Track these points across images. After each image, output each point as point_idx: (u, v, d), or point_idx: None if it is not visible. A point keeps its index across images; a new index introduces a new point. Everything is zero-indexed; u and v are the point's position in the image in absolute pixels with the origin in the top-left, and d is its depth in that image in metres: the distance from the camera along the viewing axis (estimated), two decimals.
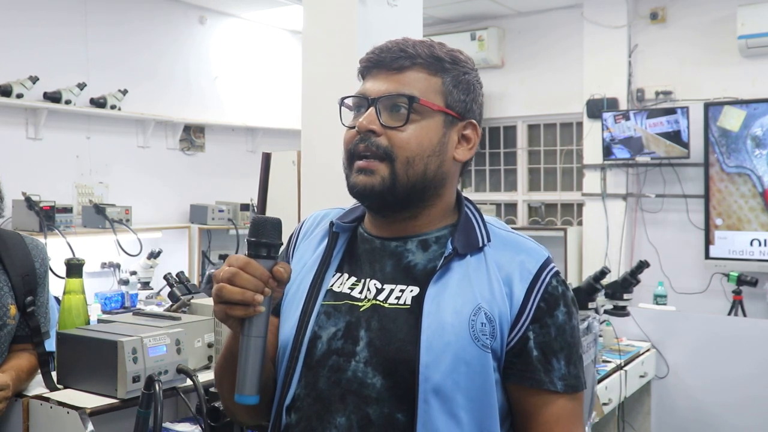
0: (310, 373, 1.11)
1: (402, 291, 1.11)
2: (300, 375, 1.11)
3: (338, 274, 1.16)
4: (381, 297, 1.11)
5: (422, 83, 1.10)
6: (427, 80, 1.11)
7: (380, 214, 1.15)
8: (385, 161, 1.09)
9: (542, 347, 1.08)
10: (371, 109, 1.10)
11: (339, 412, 1.08)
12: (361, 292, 1.13)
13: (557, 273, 1.12)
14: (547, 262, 1.11)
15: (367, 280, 1.14)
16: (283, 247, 1.21)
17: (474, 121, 1.16)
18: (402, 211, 1.13)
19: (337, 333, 1.11)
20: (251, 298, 1.00)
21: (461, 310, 1.06)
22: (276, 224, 1.03)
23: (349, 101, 1.16)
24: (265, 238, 1.02)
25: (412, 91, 1.09)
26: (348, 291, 1.14)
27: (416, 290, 1.10)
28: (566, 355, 1.09)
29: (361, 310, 1.11)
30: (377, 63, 1.12)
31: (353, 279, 1.15)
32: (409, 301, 1.09)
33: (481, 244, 1.12)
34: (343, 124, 1.16)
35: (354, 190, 1.12)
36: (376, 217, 1.16)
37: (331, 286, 1.15)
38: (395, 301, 1.10)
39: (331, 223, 1.19)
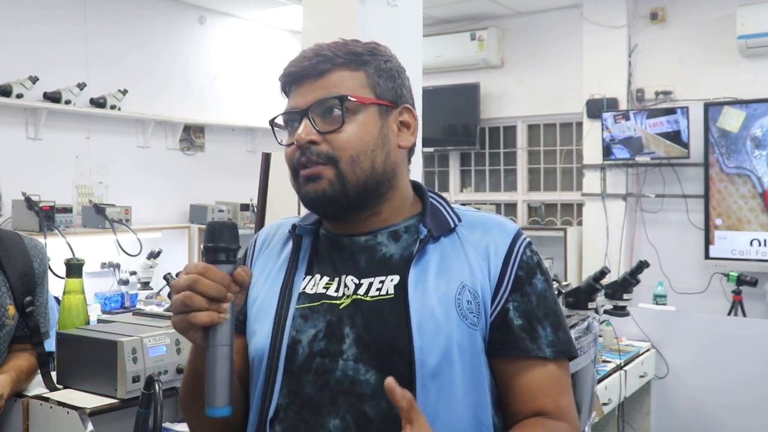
0: (293, 380, 1.07)
1: (382, 282, 1.09)
2: (281, 384, 1.08)
3: (308, 277, 1.13)
4: (361, 291, 1.09)
5: (347, 81, 1.09)
6: (351, 77, 1.09)
7: (340, 219, 1.13)
8: (329, 165, 1.07)
9: (526, 315, 1.08)
10: (305, 120, 1.08)
11: (331, 414, 1.04)
12: (337, 290, 1.10)
13: (530, 243, 1.13)
14: (518, 234, 1.13)
15: (343, 277, 1.11)
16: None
17: (408, 105, 1.15)
18: (361, 211, 1.11)
19: (317, 334, 1.08)
20: (217, 305, 0.96)
21: (446, 290, 1.06)
22: (232, 228, 1.00)
23: (279, 120, 1.14)
24: (223, 242, 0.99)
25: (340, 91, 1.08)
26: (323, 291, 1.11)
27: (396, 278, 1.08)
28: (552, 321, 1.10)
29: (341, 307, 1.08)
30: (298, 75, 1.10)
31: (326, 279, 1.12)
32: (391, 291, 1.07)
33: (452, 225, 1.12)
34: (280, 144, 1.14)
35: (306, 200, 1.10)
36: (337, 221, 1.14)
37: (303, 289, 1.12)
38: (376, 293, 1.08)
39: (294, 226, 1.17)
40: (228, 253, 0.99)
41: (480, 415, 1.06)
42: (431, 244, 1.10)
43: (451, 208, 1.16)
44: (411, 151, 1.17)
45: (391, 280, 1.08)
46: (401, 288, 1.07)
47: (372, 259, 1.11)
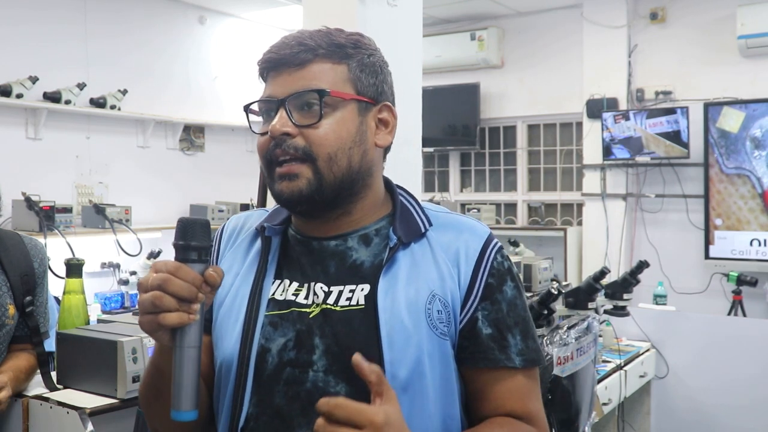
0: (263, 389, 1.05)
1: (352, 291, 1.06)
2: (251, 393, 1.05)
3: (278, 281, 1.10)
4: (330, 300, 1.06)
5: (329, 74, 1.05)
6: (333, 70, 1.05)
7: (312, 217, 1.10)
8: (306, 162, 1.03)
9: (496, 324, 1.06)
10: (281, 111, 1.04)
11: (302, 426, 1.02)
12: (307, 298, 1.07)
13: (501, 248, 1.11)
14: (490, 239, 1.10)
15: (312, 284, 1.08)
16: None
17: (388, 103, 1.11)
18: (334, 209, 1.08)
19: (287, 344, 1.05)
20: (187, 306, 0.93)
21: (416, 300, 1.04)
22: (205, 226, 0.97)
23: (255, 107, 1.10)
24: (195, 240, 0.95)
25: (320, 85, 1.04)
26: (293, 298, 1.08)
27: (367, 288, 1.05)
28: (522, 329, 1.08)
29: (311, 316, 1.05)
30: (278, 62, 1.06)
31: (296, 284, 1.08)
32: (362, 301, 1.05)
33: (423, 230, 1.09)
34: (254, 132, 1.09)
35: (281, 198, 1.07)
36: (308, 219, 1.11)
37: (273, 294, 1.08)
38: (347, 303, 1.05)
39: (263, 227, 1.12)
40: (200, 251, 0.96)
41: (449, 423, 1.05)
42: (401, 251, 1.07)
43: (422, 210, 1.13)
44: (387, 149, 1.14)
45: (362, 289, 1.06)
46: (371, 298, 1.04)
47: (342, 266, 1.08)
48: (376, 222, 1.11)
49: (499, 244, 1.11)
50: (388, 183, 1.16)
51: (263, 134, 1.07)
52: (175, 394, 0.94)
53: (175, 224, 0.97)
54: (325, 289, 1.07)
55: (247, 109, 1.12)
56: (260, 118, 1.12)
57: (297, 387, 1.03)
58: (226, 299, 1.11)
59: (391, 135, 1.12)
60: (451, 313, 1.05)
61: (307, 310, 1.06)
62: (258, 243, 1.13)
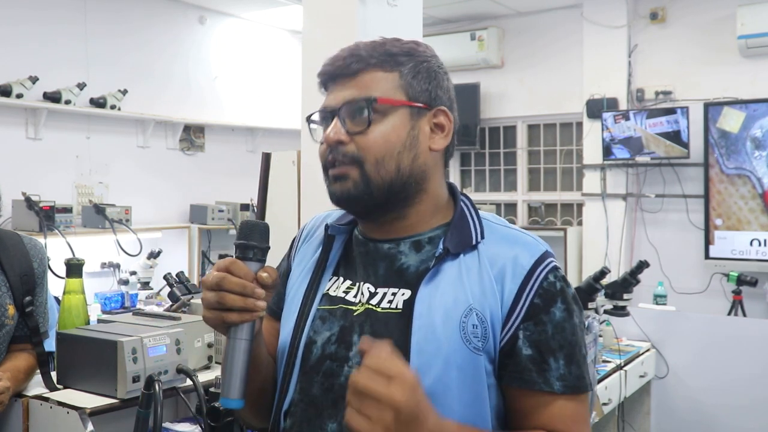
0: (305, 378, 1.11)
1: (394, 294, 1.08)
2: (296, 380, 1.11)
3: (334, 278, 1.15)
4: (374, 301, 1.09)
5: (380, 82, 1.09)
6: (384, 78, 1.09)
7: (368, 218, 1.14)
8: (354, 165, 1.07)
9: (537, 345, 1.03)
10: (335, 120, 1.09)
11: (331, 417, 1.07)
12: (355, 296, 1.11)
13: (555, 268, 1.07)
14: (543, 257, 1.07)
15: (361, 283, 1.12)
16: (286, 251, 1.26)
17: (444, 107, 1.13)
18: (388, 212, 1.11)
19: (331, 338, 1.10)
20: (252, 304, 1.00)
21: (452, 312, 1.03)
22: (264, 229, 1.04)
23: (315, 117, 1.15)
24: (253, 240, 1.03)
25: (369, 93, 1.08)
26: (343, 295, 1.13)
27: (408, 293, 1.07)
28: (566, 354, 1.04)
29: (355, 314, 1.10)
30: (332, 74, 1.11)
31: (348, 282, 1.14)
32: (400, 305, 1.07)
33: (474, 242, 1.08)
34: (315, 141, 1.15)
35: (334, 198, 1.12)
36: (365, 220, 1.15)
37: (328, 290, 1.15)
38: (387, 306, 1.08)
39: (327, 226, 1.18)
40: (255, 251, 1.03)
41: None
42: (449, 261, 1.07)
43: (480, 221, 1.12)
44: (447, 153, 1.15)
45: (402, 294, 1.08)
46: (409, 304, 1.06)
47: (390, 269, 1.11)
48: (431, 230, 1.12)
49: (554, 263, 1.08)
50: (453, 190, 1.17)
51: (322, 143, 1.12)
52: (225, 382, 1.02)
53: (239, 225, 1.06)
54: (372, 289, 1.11)
55: (308, 119, 1.16)
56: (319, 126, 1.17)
57: (333, 380, 1.09)
58: (290, 291, 1.19)
59: (447, 139, 1.13)
60: (488, 329, 1.03)
61: (353, 308, 1.11)
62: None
